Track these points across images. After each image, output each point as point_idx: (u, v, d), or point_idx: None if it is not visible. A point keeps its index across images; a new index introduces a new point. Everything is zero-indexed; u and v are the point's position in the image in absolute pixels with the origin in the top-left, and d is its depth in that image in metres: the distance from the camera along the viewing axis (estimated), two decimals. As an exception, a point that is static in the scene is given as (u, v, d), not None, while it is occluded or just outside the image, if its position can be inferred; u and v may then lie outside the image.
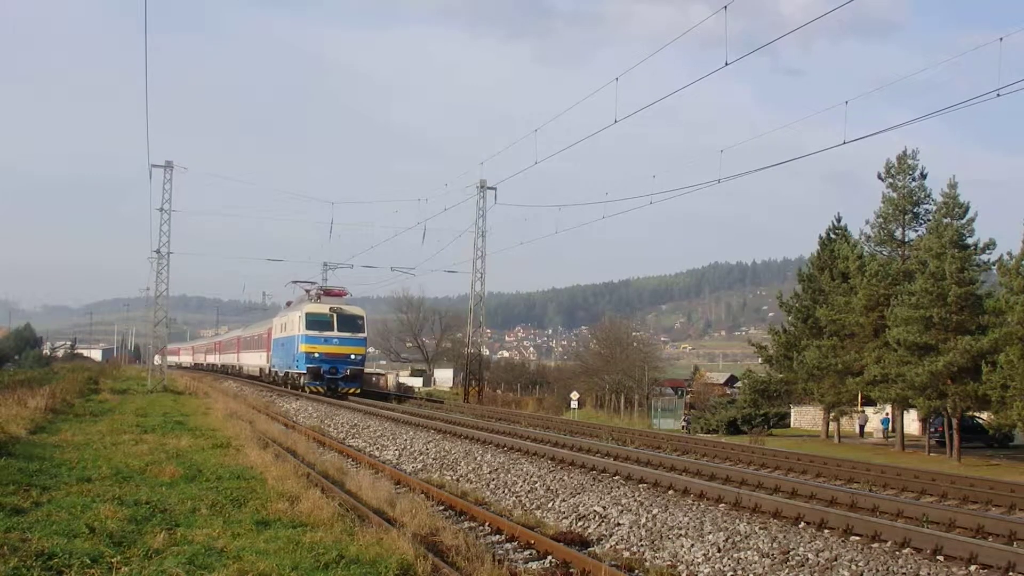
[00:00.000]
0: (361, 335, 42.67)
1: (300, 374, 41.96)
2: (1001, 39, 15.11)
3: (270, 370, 52.73)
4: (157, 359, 54.20)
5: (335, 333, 41.11)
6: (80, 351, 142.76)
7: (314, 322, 41.22)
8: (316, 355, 40.68)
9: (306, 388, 41.49)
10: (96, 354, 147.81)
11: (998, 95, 14.33)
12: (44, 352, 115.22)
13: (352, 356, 41.55)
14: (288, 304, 52.17)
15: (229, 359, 77.11)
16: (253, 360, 62.34)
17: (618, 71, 20.80)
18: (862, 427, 46.36)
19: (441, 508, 12.80)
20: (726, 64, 16.43)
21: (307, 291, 48.62)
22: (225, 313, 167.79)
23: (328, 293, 44.61)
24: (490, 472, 15.84)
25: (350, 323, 41.92)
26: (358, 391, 42.31)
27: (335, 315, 41.48)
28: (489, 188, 44.64)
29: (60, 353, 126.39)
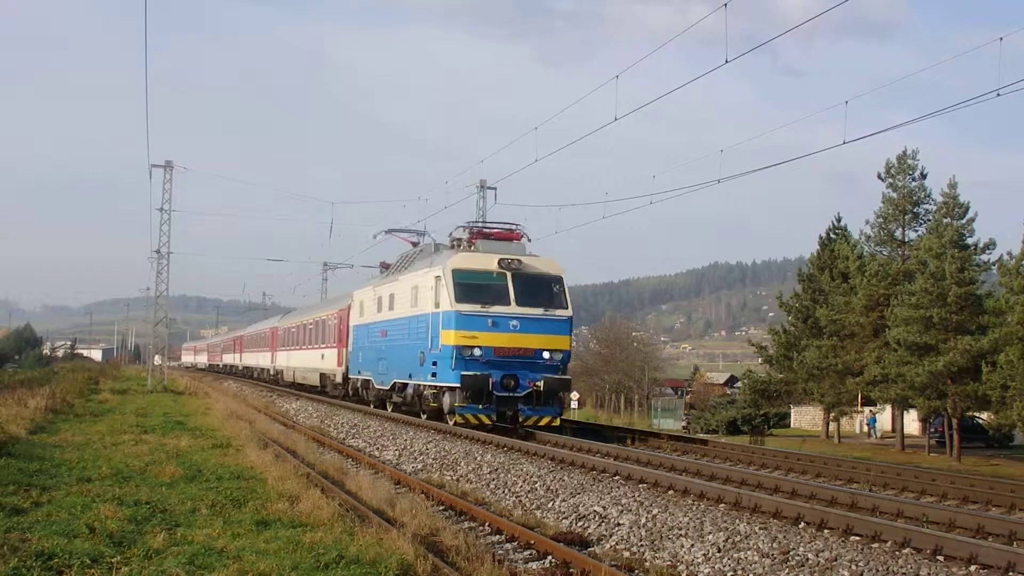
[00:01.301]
0: (563, 313, 22.34)
1: (441, 389, 22.36)
2: (1001, 39, 15.11)
3: (345, 377, 33.03)
4: (157, 359, 54.18)
5: (514, 309, 21.58)
6: (80, 351, 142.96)
7: (469, 287, 21.72)
8: (476, 353, 21.20)
9: (451, 416, 22.04)
10: (96, 354, 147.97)
11: (998, 95, 14.32)
12: (44, 352, 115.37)
13: (546, 355, 21.74)
14: (384, 268, 31.42)
15: (257, 359, 57.34)
16: (304, 361, 41.73)
17: (618, 71, 20.66)
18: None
19: (441, 508, 12.81)
20: (726, 62, 16.40)
21: (413, 244, 29.27)
22: (225, 313, 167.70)
23: (486, 234, 23.75)
24: (490, 472, 15.85)
25: (540, 290, 22.25)
26: (556, 422, 22.33)
27: (510, 275, 21.88)
28: (489, 188, 44.62)
29: (60, 353, 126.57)
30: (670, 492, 13.35)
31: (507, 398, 21.47)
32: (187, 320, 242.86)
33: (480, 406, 21.33)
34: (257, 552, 8.48)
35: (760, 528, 10.53)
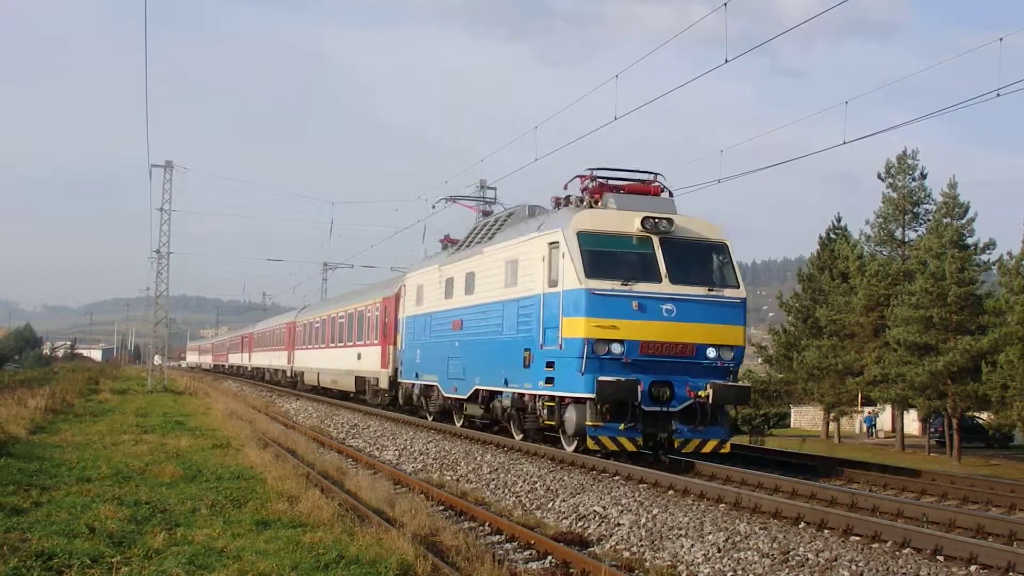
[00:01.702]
0: (735, 294, 16.50)
1: (563, 400, 16.28)
2: (1001, 39, 15.13)
3: (393, 382, 27.24)
4: (157, 359, 54.18)
5: (666, 287, 15.81)
6: (80, 351, 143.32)
7: (602, 257, 15.97)
8: (616, 350, 15.44)
9: (572, 440, 16.45)
10: (96, 354, 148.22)
11: (998, 95, 14.35)
12: (44, 352, 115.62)
13: (712, 353, 15.98)
14: (448, 244, 24.47)
15: (270, 359, 51.87)
16: (334, 362, 35.93)
17: (618, 70, 20.42)
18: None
19: (441, 508, 12.81)
20: (726, 61, 16.40)
21: (485, 214, 24.68)
22: (225, 313, 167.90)
23: (613, 187, 17.29)
24: (490, 472, 15.85)
25: (699, 261, 16.70)
26: (726, 448, 16.13)
27: (658, 240, 16.07)
28: (489, 188, 44.60)
29: (60, 353, 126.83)
30: (670, 492, 13.35)
31: (657, 414, 15.40)
32: (187, 320, 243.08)
33: (621, 426, 15.16)
34: (257, 552, 8.49)
35: (760, 528, 10.53)
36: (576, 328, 15.49)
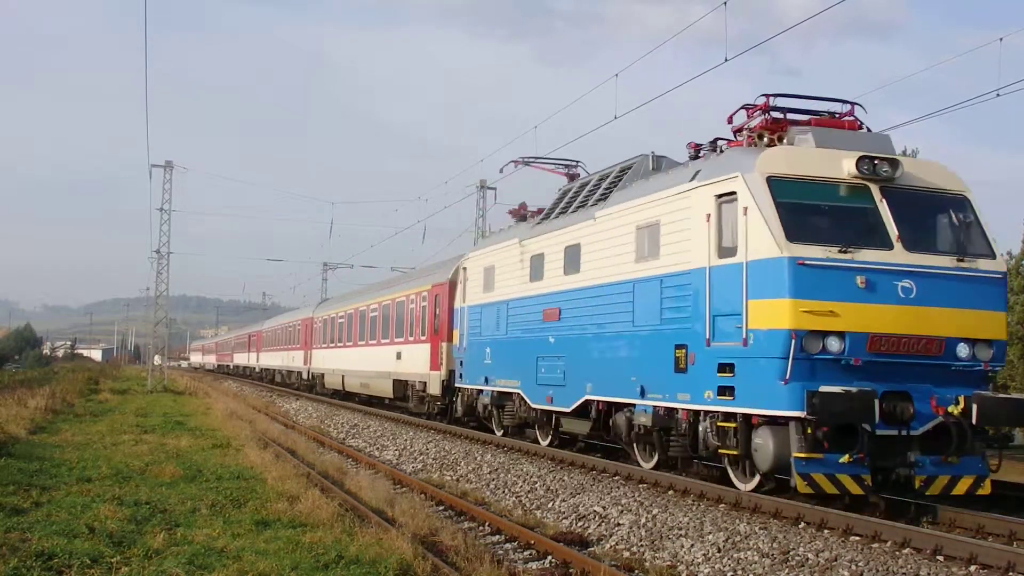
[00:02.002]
0: (991, 267, 11.47)
1: (754, 421, 11.21)
2: (1001, 39, 15.13)
3: (447, 387, 23.05)
4: (157, 359, 54.16)
5: (899, 255, 10.87)
6: (80, 351, 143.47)
7: (806, 212, 11.28)
8: (833, 346, 10.60)
9: (754, 479, 11.93)
10: (96, 354, 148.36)
11: (998, 95, 14.36)
12: (44, 352, 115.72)
13: (963, 351, 11.08)
14: (523, 216, 20.26)
15: (283, 360, 47.91)
16: (364, 362, 31.30)
17: (618, 70, 20.28)
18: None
19: (441, 508, 12.81)
20: (726, 60, 16.39)
21: (569, 178, 19.75)
22: (225, 313, 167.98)
23: (796, 121, 12.53)
24: (490, 472, 15.86)
25: (937, 220, 11.77)
26: (985, 487, 11.33)
27: (878, 189, 11.22)
28: (489, 188, 44.61)
29: (60, 353, 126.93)
30: (670, 492, 13.35)
31: (894, 440, 10.88)
32: (187, 320, 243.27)
33: (845, 458, 10.57)
34: (257, 552, 8.49)
35: (760, 528, 10.53)
36: (775, 315, 10.89)
